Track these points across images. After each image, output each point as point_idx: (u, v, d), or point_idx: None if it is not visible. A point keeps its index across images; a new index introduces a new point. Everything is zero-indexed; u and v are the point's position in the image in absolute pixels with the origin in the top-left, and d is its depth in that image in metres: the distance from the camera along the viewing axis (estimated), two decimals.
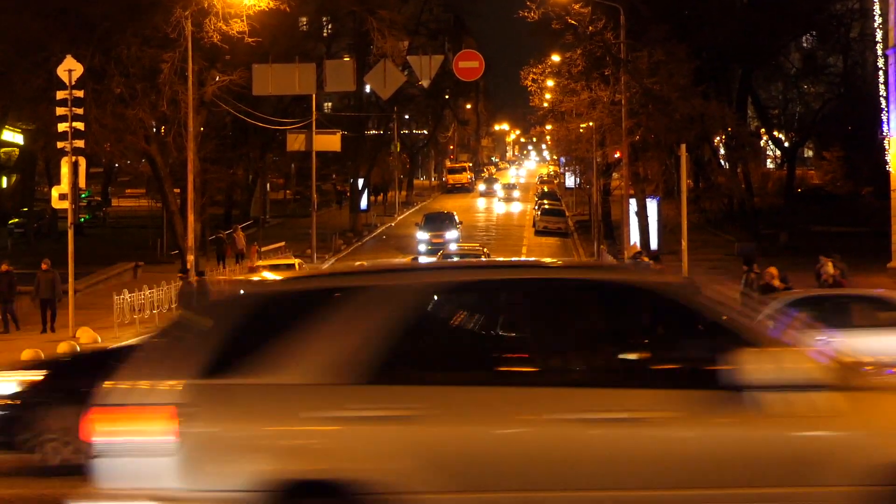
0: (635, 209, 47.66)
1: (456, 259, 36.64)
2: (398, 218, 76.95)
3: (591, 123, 52.67)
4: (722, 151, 70.31)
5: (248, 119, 47.41)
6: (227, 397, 6.99)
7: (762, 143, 74.85)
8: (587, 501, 7.05)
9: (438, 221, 53.05)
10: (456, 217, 56.63)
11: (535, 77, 55.05)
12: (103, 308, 31.80)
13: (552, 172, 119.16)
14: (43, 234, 57.97)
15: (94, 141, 38.41)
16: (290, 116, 50.36)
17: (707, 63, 53.28)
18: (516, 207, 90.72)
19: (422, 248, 46.59)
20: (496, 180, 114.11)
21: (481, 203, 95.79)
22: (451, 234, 48.65)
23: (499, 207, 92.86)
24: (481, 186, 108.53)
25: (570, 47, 52.27)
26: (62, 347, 26.06)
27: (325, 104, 70.22)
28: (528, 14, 50.59)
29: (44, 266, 30.86)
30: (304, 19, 62.68)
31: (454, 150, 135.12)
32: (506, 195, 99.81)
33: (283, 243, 48.68)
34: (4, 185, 66.29)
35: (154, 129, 47.85)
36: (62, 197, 28.86)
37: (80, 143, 28.71)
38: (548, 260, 26.40)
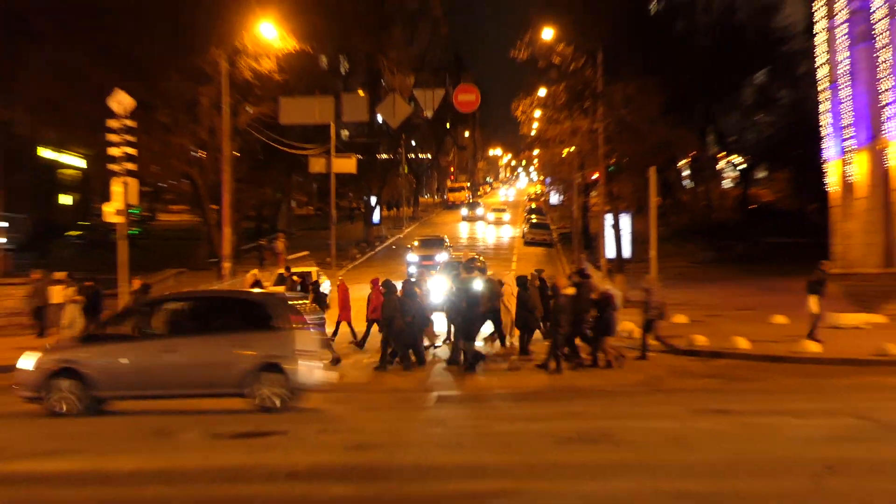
0: (611, 223, 47.84)
1: (458, 266, 36.58)
2: (406, 231, 77.11)
3: (572, 149, 52.85)
4: (686, 173, 70.57)
5: (275, 145, 47.58)
6: None
7: (721, 165, 74.92)
8: None
9: (429, 245, 52.38)
10: (446, 240, 55.99)
11: (523, 109, 55.31)
12: None
13: (539, 191, 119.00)
14: (98, 244, 58.16)
15: (143, 164, 38.52)
16: (312, 142, 50.43)
17: (673, 96, 53.43)
18: (507, 232, 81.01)
19: (413, 268, 45.74)
20: (478, 204, 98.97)
21: (475, 225, 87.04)
22: (440, 256, 48.05)
23: (491, 230, 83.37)
24: (464, 210, 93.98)
25: (555, 82, 52.53)
26: None
27: (343, 132, 70.32)
28: (517, 54, 50.90)
29: (35, 276, 31.01)
30: (324, 58, 62.84)
31: (454, 172, 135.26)
32: (496, 219, 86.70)
33: (306, 252, 48.80)
34: (70, 202, 66.46)
35: (194, 154, 48.04)
36: (119, 212, 29.01)
37: (132, 166, 28.86)
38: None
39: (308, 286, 24.99)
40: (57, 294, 28.88)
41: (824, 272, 26.32)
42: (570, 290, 22.40)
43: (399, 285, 23.32)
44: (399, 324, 22.28)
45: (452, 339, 24.07)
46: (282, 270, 36.25)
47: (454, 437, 13.45)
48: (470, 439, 13.28)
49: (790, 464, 10.94)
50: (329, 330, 25.75)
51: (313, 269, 36.00)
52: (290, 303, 17.31)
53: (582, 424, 14.15)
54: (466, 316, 22.59)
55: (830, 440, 12.44)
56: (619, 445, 12.46)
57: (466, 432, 13.89)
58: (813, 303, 24.33)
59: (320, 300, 24.38)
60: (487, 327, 25.09)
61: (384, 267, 47.55)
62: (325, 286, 32.42)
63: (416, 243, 53.82)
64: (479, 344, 23.96)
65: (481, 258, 47.42)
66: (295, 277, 26.48)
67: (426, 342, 24.45)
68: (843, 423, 13.72)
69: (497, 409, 17.03)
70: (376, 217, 73.83)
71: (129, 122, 28.77)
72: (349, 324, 27.00)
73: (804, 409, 15.39)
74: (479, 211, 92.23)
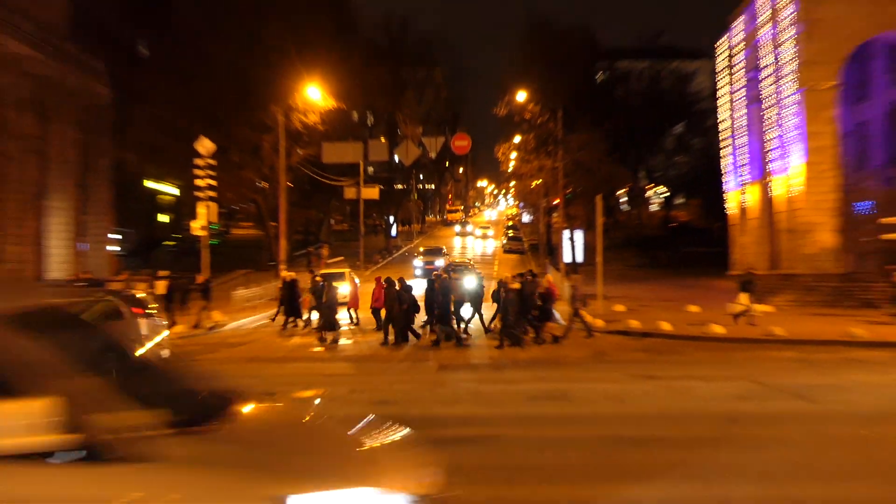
0: (568, 236, 47.73)
1: (452, 269, 36.37)
2: (415, 242, 76.89)
3: (539, 181, 52.88)
4: (623, 199, 70.64)
5: (318, 178, 47.58)
6: None
7: (649, 194, 74.97)
8: None
9: (431, 253, 52.23)
10: (444, 249, 55.66)
11: (503, 151, 55.40)
12: (224, 299, 31.92)
13: (514, 213, 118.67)
14: (187, 252, 58.14)
15: (220, 192, 38.60)
16: (346, 176, 50.45)
17: (615, 143, 53.59)
18: (491, 244, 78.24)
19: (418, 272, 45.57)
20: (469, 222, 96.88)
21: (465, 238, 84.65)
22: (439, 262, 47.84)
23: (479, 242, 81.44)
24: (457, 227, 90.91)
25: (526, 132, 52.57)
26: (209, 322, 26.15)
27: (369, 168, 70.32)
28: (498, 111, 51.05)
29: (162, 273, 31.22)
30: (355, 114, 62.83)
31: (451, 198, 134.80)
32: (482, 234, 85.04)
33: (342, 258, 48.75)
34: (166, 220, 66.48)
35: (258, 184, 48.07)
36: (203, 228, 29.03)
37: (212, 194, 28.92)
38: None
39: (324, 284, 24.82)
40: (160, 287, 28.98)
41: (753, 274, 26.16)
42: (516, 286, 22.34)
43: (397, 282, 23.26)
44: (397, 309, 22.22)
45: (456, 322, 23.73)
46: (323, 270, 36.27)
47: (451, 396, 13.47)
48: (463, 397, 13.30)
49: (701, 416, 10.98)
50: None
51: (346, 271, 35.87)
52: (134, 299, 16.85)
53: (546, 386, 14.16)
54: (442, 305, 22.40)
55: (731, 398, 12.48)
56: (573, 402, 12.49)
57: (461, 392, 13.90)
58: (743, 298, 24.23)
59: (333, 296, 24.26)
60: (467, 313, 24.35)
61: (399, 269, 47.44)
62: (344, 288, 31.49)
63: (421, 250, 53.73)
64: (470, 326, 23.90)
65: (472, 262, 47.37)
66: (318, 278, 26.28)
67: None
68: (740, 386, 13.75)
69: (484, 375, 17.03)
70: (393, 231, 73.82)
71: (210, 161, 28.86)
72: (349, 311, 26.77)
73: (712, 375, 15.42)
74: (469, 228, 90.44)
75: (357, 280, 32.94)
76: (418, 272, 44.45)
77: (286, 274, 28.09)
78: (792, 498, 7.16)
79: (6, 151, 33.17)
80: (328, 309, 23.62)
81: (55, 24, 42.01)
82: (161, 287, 28.27)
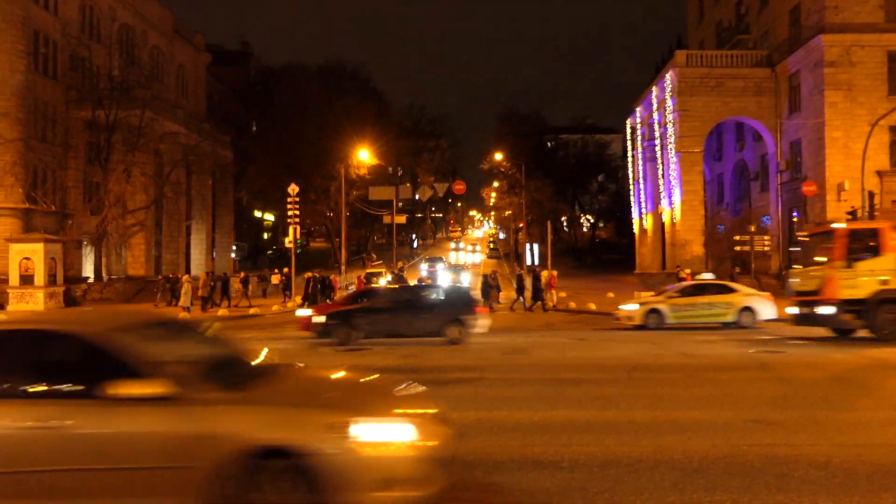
0: (529, 248, 47.65)
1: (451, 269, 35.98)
2: (429, 251, 76.44)
3: (510, 212, 52.79)
4: (565, 223, 70.32)
5: (366, 209, 47.55)
6: None
7: (582, 220, 74.68)
8: None
9: (434, 260, 51.74)
10: (443, 258, 55.09)
11: (486, 192, 55.27)
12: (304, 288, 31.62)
13: (494, 232, 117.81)
14: (281, 257, 58.04)
15: (302, 218, 38.61)
16: (385, 208, 50.37)
17: (558, 187, 53.48)
18: (478, 253, 73.99)
19: (424, 272, 45.02)
20: (461, 240, 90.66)
21: (458, 252, 78.88)
22: (439, 266, 47.18)
23: (469, 253, 75.79)
24: (452, 244, 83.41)
25: (501, 179, 52.61)
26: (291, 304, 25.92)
27: (399, 203, 70.25)
28: (484, 165, 51.01)
29: (277, 270, 31.06)
30: (390, 168, 62.74)
31: (453, 222, 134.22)
32: (472, 249, 79.79)
33: (381, 261, 48.62)
34: (267, 237, 66.41)
35: (328, 214, 47.98)
36: (291, 242, 28.93)
37: (297, 220, 28.84)
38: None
39: (322, 279, 24.33)
40: (275, 279, 28.84)
41: (692, 274, 24.58)
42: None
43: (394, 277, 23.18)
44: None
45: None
46: (369, 270, 36.19)
47: (452, 351, 13.39)
48: (460, 352, 13.22)
49: (615, 364, 10.89)
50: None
51: (383, 270, 35.82)
52: None
53: (514, 344, 14.08)
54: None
55: (635, 354, 12.37)
56: (531, 354, 12.41)
57: (458, 349, 13.82)
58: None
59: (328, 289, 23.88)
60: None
61: (415, 269, 47.29)
62: (382, 280, 30.24)
63: (426, 258, 53.65)
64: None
65: (465, 264, 47.11)
66: (314, 274, 25.49)
67: None
68: (643, 346, 13.65)
69: (472, 338, 16.97)
70: (415, 244, 73.51)
71: (296, 199, 28.81)
72: None
73: (625, 337, 15.29)
74: (462, 244, 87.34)
75: (389, 276, 32.81)
76: (424, 273, 44.31)
77: (317, 273, 27.52)
78: (672, 419, 7.07)
79: (166, 193, 33.20)
80: (319, 296, 23.40)
81: (198, 111, 42.10)
82: (275, 279, 28.39)
